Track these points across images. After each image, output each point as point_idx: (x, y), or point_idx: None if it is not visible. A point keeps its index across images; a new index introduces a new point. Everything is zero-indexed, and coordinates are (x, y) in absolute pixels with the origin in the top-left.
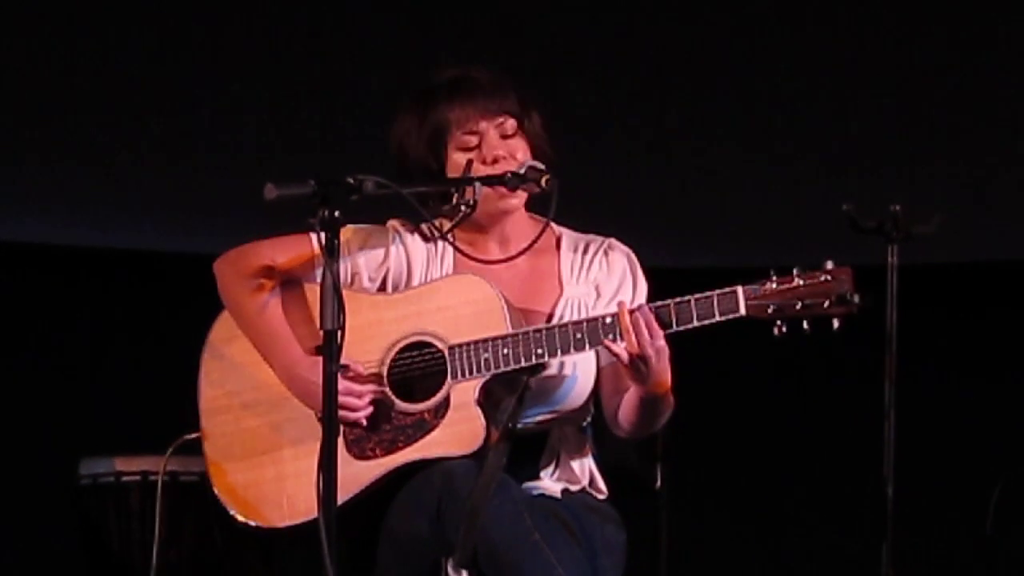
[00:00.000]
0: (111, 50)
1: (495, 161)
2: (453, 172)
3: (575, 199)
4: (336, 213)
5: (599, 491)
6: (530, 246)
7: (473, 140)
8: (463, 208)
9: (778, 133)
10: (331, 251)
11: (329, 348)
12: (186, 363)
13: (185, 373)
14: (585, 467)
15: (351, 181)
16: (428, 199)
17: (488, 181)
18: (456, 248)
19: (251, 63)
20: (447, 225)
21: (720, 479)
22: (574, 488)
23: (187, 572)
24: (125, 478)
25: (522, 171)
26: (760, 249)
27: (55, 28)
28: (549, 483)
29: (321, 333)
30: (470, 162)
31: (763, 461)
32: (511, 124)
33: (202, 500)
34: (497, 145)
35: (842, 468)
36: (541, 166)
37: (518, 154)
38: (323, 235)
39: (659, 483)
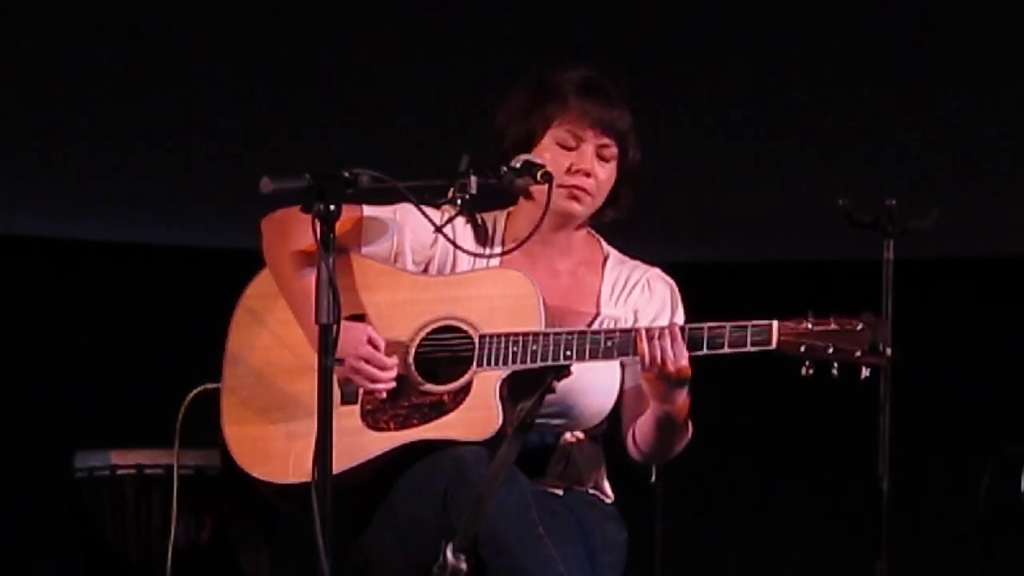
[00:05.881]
0: (108, 41)
1: (577, 172)
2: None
3: None
4: (332, 207)
5: (605, 495)
6: (530, 236)
7: (571, 142)
8: (459, 201)
9: (774, 127)
10: (326, 245)
11: (324, 342)
12: (183, 357)
13: (182, 367)
14: (593, 472)
15: (347, 175)
16: (423, 192)
17: (483, 174)
18: (454, 244)
19: (249, 54)
20: (494, 216)
21: (715, 473)
22: (579, 489)
23: (183, 563)
24: (120, 471)
25: (517, 165)
26: (756, 244)
27: (53, 20)
28: (555, 481)
29: (357, 302)
30: (473, 158)
31: (758, 454)
32: (612, 151)
33: (196, 493)
34: (589, 161)
35: (837, 462)
36: (538, 160)
37: (601, 177)
38: (318, 228)
39: (654, 478)
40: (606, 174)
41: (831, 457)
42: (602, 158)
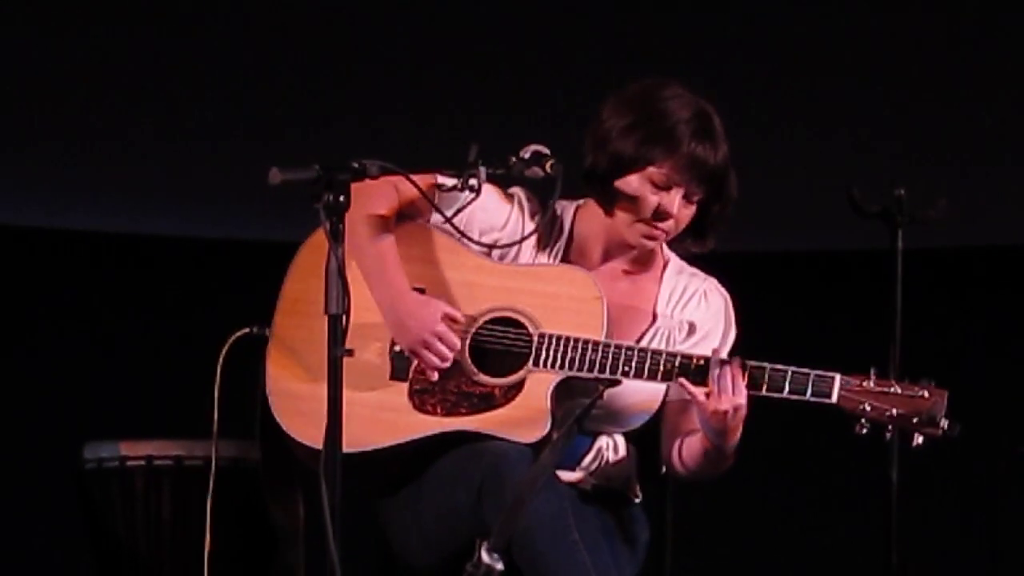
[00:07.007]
0: (110, 32)
1: (661, 217)
2: (623, 186)
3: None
4: (341, 198)
5: (634, 494)
6: (523, 240)
7: (661, 182)
8: (466, 193)
9: (782, 116)
10: (336, 236)
11: (333, 332)
12: (191, 346)
13: (190, 356)
14: (625, 471)
15: (355, 165)
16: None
17: (491, 164)
18: (460, 232)
19: (254, 45)
20: (563, 206)
21: None
22: (608, 486)
23: (192, 555)
24: (130, 462)
25: (527, 156)
26: (764, 234)
27: (54, 9)
28: (585, 477)
29: (419, 274)
30: (480, 148)
31: (766, 444)
32: (699, 197)
33: (204, 484)
34: (675, 206)
35: (846, 452)
36: (546, 150)
37: (681, 216)
38: (328, 221)
39: (665, 468)
40: (688, 212)
41: (840, 447)
42: (688, 200)
